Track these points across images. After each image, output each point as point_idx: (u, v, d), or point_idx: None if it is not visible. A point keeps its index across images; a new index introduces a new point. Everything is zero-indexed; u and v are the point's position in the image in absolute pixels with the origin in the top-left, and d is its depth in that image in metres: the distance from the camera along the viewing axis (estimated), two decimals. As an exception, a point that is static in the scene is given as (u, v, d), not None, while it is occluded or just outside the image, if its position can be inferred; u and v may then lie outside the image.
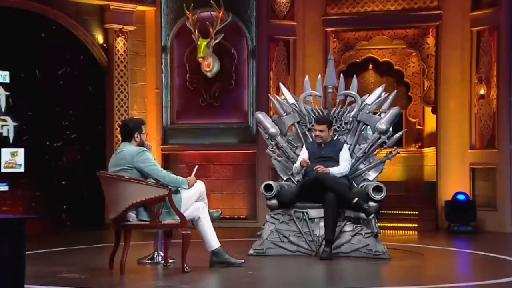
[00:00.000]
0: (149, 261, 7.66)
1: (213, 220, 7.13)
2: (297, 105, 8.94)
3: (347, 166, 8.31)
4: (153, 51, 12.72)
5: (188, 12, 12.19)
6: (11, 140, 11.26)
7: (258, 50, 12.53)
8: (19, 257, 4.61)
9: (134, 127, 6.97)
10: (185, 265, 6.82)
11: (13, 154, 11.20)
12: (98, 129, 12.21)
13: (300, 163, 8.35)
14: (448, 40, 12.27)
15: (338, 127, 8.75)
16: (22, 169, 11.25)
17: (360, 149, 8.64)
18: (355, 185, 8.48)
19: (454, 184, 12.10)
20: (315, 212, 8.18)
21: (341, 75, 9.34)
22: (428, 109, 13.35)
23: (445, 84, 12.35)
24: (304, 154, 8.47)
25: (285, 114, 8.93)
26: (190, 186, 6.98)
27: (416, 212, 12.42)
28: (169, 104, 12.77)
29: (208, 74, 12.41)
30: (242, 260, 7.28)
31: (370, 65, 13.91)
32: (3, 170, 11.14)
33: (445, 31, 12.30)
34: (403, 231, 12.01)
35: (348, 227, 8.12)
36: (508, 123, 11.51)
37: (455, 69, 12.24)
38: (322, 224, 8.07)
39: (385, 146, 8.68)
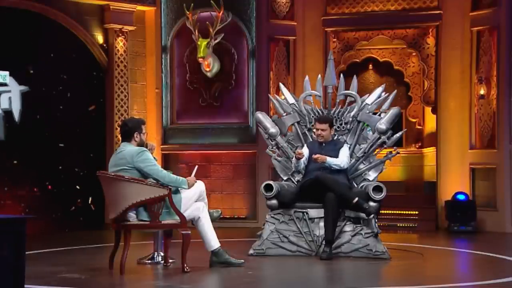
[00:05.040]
0: (149, 261, 7.66)
1: (213, 220, 7.13)
2: (297, 105, 8.94)
3: (344, 161, 8.31)
4: (153, 51, 12.72)
5: (188, 12, 12.19)
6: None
7: (258, 50, 12.53)
8: (19, 257, 4.60)
9: (133, 127, 6.97)
10: (185, 265, 6.83)
11: None
12: (99, 129, 12.22)
13: (295, 156, 8.34)
14: (448, 40, 12.28)
15: (338, 127, 8.75)
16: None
17: (360, 149, 8.64)
18: (355, 185, 8.48)
19: (454, 184, 12.10)
20: (315, 212, 8.19)
21: (341, 75, 9.34)
22: (428, 109, 13.34)
23: (445, 84, 12.35)
24: (304, 152, 8.46)
25: (285, 114, 8.93)
26: (190, 186, 6.98)
27: (416, 212, 12.42)
28: (169, 104, 12.78)
29: (208, 74, 12.41)
30: (242, 260, 7.28)
31: (370, 65, 13.89)
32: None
33: (445, 31, 12.30)
34: (403, 231, 12.01)
35: (348, 227, 8.12)
36: (508, 123, 11.51)
37: (455, 69, 12.24)
38: (322, 224, 8.08)
39: (385, 146, 8.68)
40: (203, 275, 6.91)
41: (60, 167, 11.75)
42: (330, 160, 8.24)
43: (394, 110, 8.66)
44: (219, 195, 12.48)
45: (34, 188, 11.48)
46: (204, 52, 12.03)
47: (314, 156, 8.24)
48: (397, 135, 8.74)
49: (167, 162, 12.55)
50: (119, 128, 7.77)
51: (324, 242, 8.02)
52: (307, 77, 9.31)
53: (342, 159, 8.32)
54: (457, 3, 12.19)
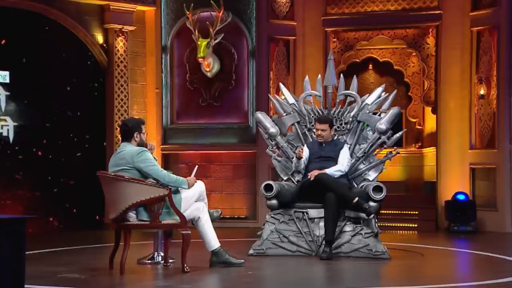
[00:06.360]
0: (149, 261, 7.66)
1: (213, 220, 7.13)
2: (297, 105, 8.94)
3: (344, 165, 8.29)
4: (153, 51, 12.72)
5: (188, 12, 12.18)
6: (11, 140, 11.27)
7: (258, 50, 12.53)
8: (19, 257, 4.61)
9: (133, 127, 6.97)
10: (185, 265, 6.83)
11: None
12: (99, 129, 12.24)
13: (296, 155, 8.33)
14: (448, 40, 12.27)
15: (338, 127, 8.75)
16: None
17: (360, 149, 8.64)
18: (355, 185, 8.48)
19: (454, 184, 12.10)
20: (315, 212, 8.18)
21: (341, 75, 9.34)
22: (428, 109, 13.35)
23: (445, 84, 12.35)
24: (304, 152, 8.46)
25: (285, 114, 8.93)
26: (190, 186, 6.98)
27: (416, 212, 12.42)
28: (169, 104, 12.78)
29: (208, 74, 12.41)
30: (242, 260, 7.28)
31: (370, 65, 13.89)
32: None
33: (445, 31, 12.30)
34: (403, 231, 12.01)
35: (348, 227, 8.12)
36: (508, 123, 11.51)
37: (455, 69, 12.24)
38: (322, 224, 8.07)
39: (385, 146, 8.68)
40: (203, 275, 6.91)
41: (60, 167, 11.75)
42: (330, 171, 8.19)
43: (394, 110, 8.66)
44: (219, 195, 12.48)
45: (34, 188, 11.48)
46: (204, 52, 12.03)
47: (310, 174, 8.19)
48: (397, 135, 8.73)
49: (167, 162, 12.55)
50: (119, 128, 7.77)
51: (324, 242, 8.02)
52: (307, 77, 9.32)
53: (342, 163, 8.28)
54: (457, 3, 12.18)
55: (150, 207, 6.77)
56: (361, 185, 8.45)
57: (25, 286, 4.70)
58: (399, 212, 12.44)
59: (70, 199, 11.79)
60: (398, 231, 11.97)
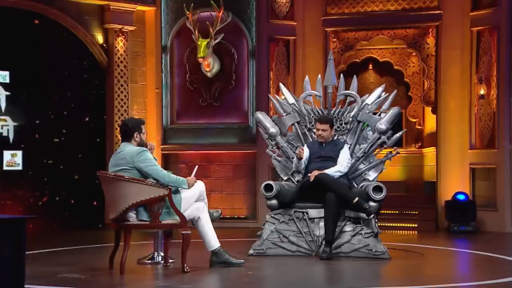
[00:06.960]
0: (149, 261, 7.66)
1: (213, 220, 7.13)
2: (297, 105, 8.94)
3: (344, 165, 8.29)
4: (153, 51, 12.72)
5: (188, 12, 12.19)
6: (11, 140, 11.27)
7: (258, 50, 12.53)
8: (19, 257, 4.61)
9: (133, 127, 6.97)
10: (185, 265, 6.83)
11: (12, 155, 11.21)
12: (99, 129, 12.23)
13: (297, 155, 8.33)
14: (448, 40, 12.27)
15: (338, 127, 8.75)
16: (20, 167, 11.25)
17: (360, 149, 8.64)
18: (355, 185, 8.48)
19: (454, 184, 12.10)
20: (315, 212, 8.18)
21: (341, 75, 9.34)
22: (428, 109, 13.35)
23: (445, 84, 12.35)
24: (305, 152, 8.45)
25: (285, 114, 8.93)
26: (190, 186, 6.98)
27: (416, 212, 12.43)
28: (169, 104, 12.77)
29: (208, 74, 12.41)
30: (242, 260, 7.28)
31: (370, 65, 13.89)
32: (5, 168, 11.17)
33: (445, 31, 12.30)
34: (403, 231, 12.01)
35: (348, 227, 8.12)
36: (508, 123, 11.51)
37: (455, 69, 12.24)
38: (322, 224, 8.08)
39: (385, 146, 8.68)
40: (203, 275, 6.91)
41: (60, 167, 11.76)
42: (330, 172, 8.19)
43: (394, 110, 8.66)
44: (219, 195, 12.48)
45: (34, 188, 11.48)
46: (204, 52, 12.03)
47: (309, 175, 8.19)
48: (397, 135, 8.74)
49: (167, 162, 12.55)
50: (119, 128, 7.77)
51: (324, 242, 8.02)
52: (307, 77, 9.32)
53: (342, 164, 8.27)
54: (457, 3, 12.18)
55: (150, 207, 6.77)
56: (361, 185, 8.45)
57: (25, 286, 4.71)
58: (399, 212, 12.44)
59: (70, 199, 11.78)
60: (398, 231, 11.97)
